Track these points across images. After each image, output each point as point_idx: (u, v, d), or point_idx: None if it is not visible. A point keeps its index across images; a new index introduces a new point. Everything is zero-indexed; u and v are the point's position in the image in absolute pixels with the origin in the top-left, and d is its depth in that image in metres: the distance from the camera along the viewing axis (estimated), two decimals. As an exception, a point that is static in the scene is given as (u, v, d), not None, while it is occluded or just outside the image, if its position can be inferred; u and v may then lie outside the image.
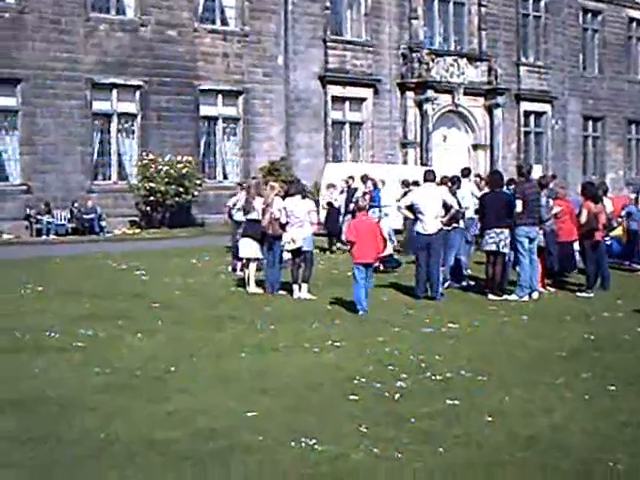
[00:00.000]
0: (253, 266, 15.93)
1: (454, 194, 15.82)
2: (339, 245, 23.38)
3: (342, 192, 24.42)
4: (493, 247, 14.69)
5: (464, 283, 16.26)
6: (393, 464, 6.43)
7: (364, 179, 23.41)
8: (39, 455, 6.65)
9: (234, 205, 22.69)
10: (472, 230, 17.06)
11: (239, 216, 22.49)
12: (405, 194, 21.60)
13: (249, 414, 7.65)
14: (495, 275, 14.90)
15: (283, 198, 15.59)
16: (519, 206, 14.54)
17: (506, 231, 14.65)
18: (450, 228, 15.44)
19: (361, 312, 13.23)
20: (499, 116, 42.25)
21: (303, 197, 15.45)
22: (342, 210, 23.78)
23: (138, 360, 9.95)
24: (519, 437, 7.07)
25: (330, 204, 24.34)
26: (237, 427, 7.28)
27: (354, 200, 19.28)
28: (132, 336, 11.47)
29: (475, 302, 14.65)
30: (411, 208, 15.12)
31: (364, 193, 21.03)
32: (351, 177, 24.90)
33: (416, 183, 21.90)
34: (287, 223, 15.04)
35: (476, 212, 16.30)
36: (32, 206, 29.81)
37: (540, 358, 10.22)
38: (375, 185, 23.00)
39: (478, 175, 21.47)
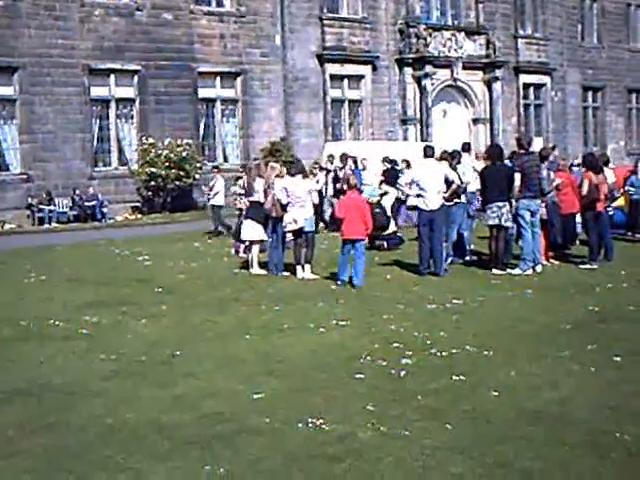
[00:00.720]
0: (256, 248, 15.92)
1: (455, 169, 15.77)
2: (321, 225, 23.05)
3: (327, 173, 24.00)
4: (495, 221, 14.65)
5: (467, 258, 16.24)
6: (401, 441, 6.44)
7: (343, 158, 23.21)
8: (48, 442, 6.68)
9: (211, 189, 23.47)
10: (474, 205, 17.01)
11: (217, 200, 23.21)
12: (386, 171, 21.59)
13: (256, 396, 7.67)
14: (498, 249, 14.87)
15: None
16: (517, 179, 14.49)
17: (508, 205, 14.61)
18: (452, 203, 15.41)
19: (338, 282, 13.90)
20: (498, 89, 42.09)
21: (304, 177, 15.41)
22: (324, 192, 23.11)
23: (143, 345, 9.97)
24: (526, 411, 7.08)
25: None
26: (244, 410, 7.30)
27: (344, 177, 19.24)
28: (137, 321, 11.49)
29: (479, 277, 14.64)
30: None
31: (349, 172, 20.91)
32: (331, 156, 24.75)
33: (394, 162, 21.93)
34: (288, 204, 15.01)
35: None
36: (33, 195, 29.80)
37: (545, 331, 10.22)
38: (355, 163, 22.90)
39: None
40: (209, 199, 23.98)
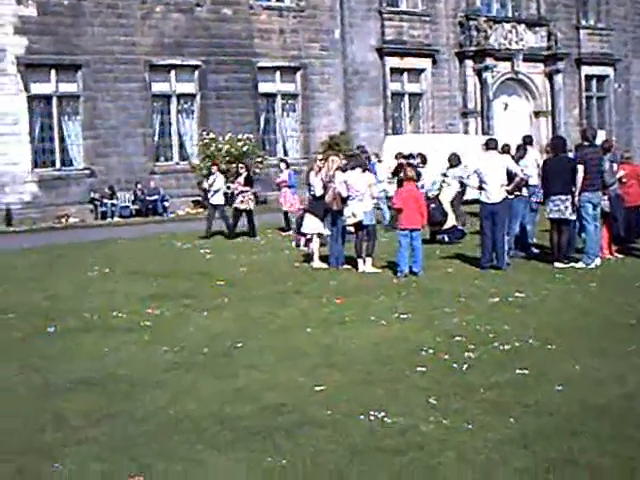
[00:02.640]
0: (317, 241, 15.92)
1: (517, 162, 15.58)
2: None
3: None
4: (557, 215, 14.46)
5: (530, 251, 16.05)
6: (463, 435, 6.39)
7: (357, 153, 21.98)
8: (112, 431, 6.75)
9: (210, 186, 22.31)
10: (536, 197, 16.79)
11: (217, 199, 22.16)
12: (398, 167, 20.99)
13: (317, 388, 7.66)
14: (561, 243, 14.68)
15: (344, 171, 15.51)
16: (580, 171, 14.27)
17: (570, 197, 14.41)
18: (513, 197, 15.23)
19: (399, 274, 14.11)
20: (560, 82, 41.60)
21: (363, 170, 15.36)
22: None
23: (205, 338, 10.02)
24: (591, 406, 6.97)
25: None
26: (306, 402, 7.30)
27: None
28: (198, 314, 11.57)
29: (541, 270, 14.46)
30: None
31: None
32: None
33: (411, 156, 21.38)
34: (348, 197, 14.99)
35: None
36: (96, 189, 30.20)
37: (609, 326, 10.06)
38: (369, 159, 22.31)
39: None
40: (207, 197, 22.94)
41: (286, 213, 22.57)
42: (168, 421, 6.96)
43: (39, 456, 6.27)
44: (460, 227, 19.09)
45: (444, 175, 19.35)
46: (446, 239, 18.35)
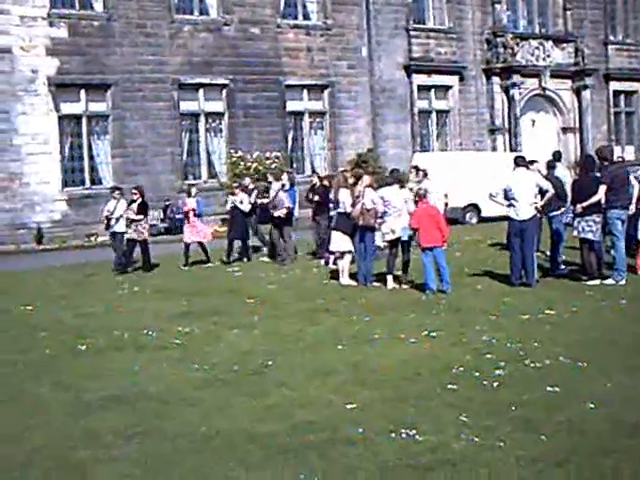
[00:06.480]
0: (348, 258, 15.94)
1: (547, 179, 15.53)
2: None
3: (252, 192, 21.74)
4: (589, 235, 14.37)
5: (559, 269, 15.96)
6: (495, 453, 6.37)
7: (277, 175, 21.12)
8: (144, 449, 6.80)
9: (111, 214, 19.90)
10: (566, 218, 16.68)
11: (119, 227, 19.74)
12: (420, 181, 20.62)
13: (348, 406, 7.67)
14: (590, 260, 14.60)
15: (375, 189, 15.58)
16: (601, 191, 14.17)
17: (599, 216, 14.34)
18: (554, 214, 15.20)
19: (428, 291, 14.12)
20: (588, 98, 41.44)
21: (401, 187, 15.42)
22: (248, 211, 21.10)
23: (235, 355, 10.06)
24: (623, 424, 6.92)
25: (235, 207, 20.95)
26: (337, 419, 7.30)
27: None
28: (228, 331, 11.61)
29: (571, 288, 14.38)
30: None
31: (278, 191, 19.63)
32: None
33: (424, 172, 20.93)
34: (385, 213, 15.05)
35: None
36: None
37: (641, 342, 10.00)
38: (293, 183, 21.35)
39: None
40: (108, 227, 20.11)
41: (187, 245, 20.30)
42: (199, 439, 6.99)
43: (72, 472, 6.33)
44: None
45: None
46: None
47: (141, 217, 19.51)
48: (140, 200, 19.58)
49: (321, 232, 19.92)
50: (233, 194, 21.50)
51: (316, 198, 20.28)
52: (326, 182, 20.77)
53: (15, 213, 29.11)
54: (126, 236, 19.66)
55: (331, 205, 19.83)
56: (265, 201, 21.01)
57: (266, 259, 20.60)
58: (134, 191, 19.97)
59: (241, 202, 20.87)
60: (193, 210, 20.49)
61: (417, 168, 21.27)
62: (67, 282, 18.14)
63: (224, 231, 30.57)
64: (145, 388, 8.68)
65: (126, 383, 8.95)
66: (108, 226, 20.00)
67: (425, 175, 20.32)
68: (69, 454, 6.75)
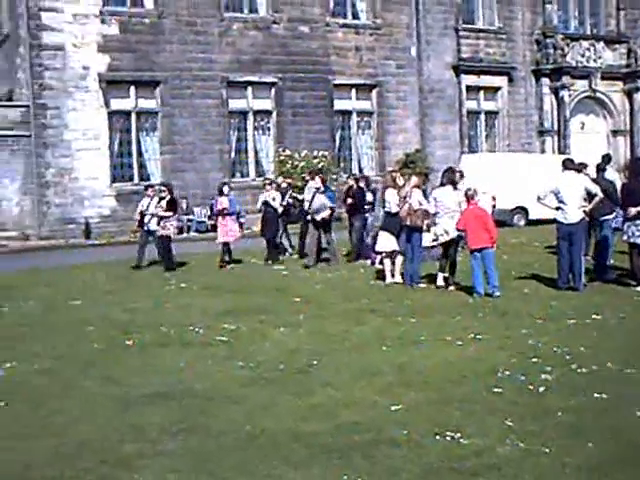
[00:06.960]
0: (399, 259, 15.92)
1: (596, 182, 15.37)
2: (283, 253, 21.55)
3: (285, 192, 21.74)
4: (638, 240, 14.19)
5: (608, 274, 15.79)
6: (540, 459, 6.31)
7: (312, 174, 20.56)
8: (189, 445, 6.84)
9: (146, 209, 20.14)
10: (616, 223, 16.49)
11: (153, 225, 19.83)
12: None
13: (393, 407, 7.65)
14: (639, 266, 14.42)
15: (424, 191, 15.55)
16: None
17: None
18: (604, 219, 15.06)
19: (475, 294, 13.96)
20: (639, 100, 40.90)
21: (455, 187, 15.31)
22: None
23: (281, 354, 10.09)
24: (673, 432, 6.85)
25: (266, 203, 20.83)
26: (381, 420, 7.29)
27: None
28: (274, 330, 11.64)
29: (619, 293, 14.22)
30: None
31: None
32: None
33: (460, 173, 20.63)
34: (436, 214, 15.00)
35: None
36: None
37: (691, 350, 9.86)
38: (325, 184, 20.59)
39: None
40: (142, 224, 20.32)
41: (225, 244, 20.09)
42: (244, 436, 7.02)
43: (119, 466, 6.39)
44: None
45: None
46: None
47: (170, 214, 19.53)
48: (169, 197, 19.63)
49: (356, 234, 19.95)
50: (266, 189, 21.18)
51: (349, 201, 20.23)
52: (362, 183, 20.77)
53: (64, 208, 29.50)
54: (157, 233, 19.71)
55: (366, 207, 19.91)
56: (300, 197, 21.03)
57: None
58: (163, 188, 20.06)
59: (273, 199, 20.73)
60: (225, 209, 20.22)
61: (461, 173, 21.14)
62: (114, 277, 18.32)
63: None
64: (190, 385, 8.74)
65: (172, 379, 9.01)
66: (142, 223, 20.11)
67: (462, 176, 20.17)
68: (115, 448, 6.82)
